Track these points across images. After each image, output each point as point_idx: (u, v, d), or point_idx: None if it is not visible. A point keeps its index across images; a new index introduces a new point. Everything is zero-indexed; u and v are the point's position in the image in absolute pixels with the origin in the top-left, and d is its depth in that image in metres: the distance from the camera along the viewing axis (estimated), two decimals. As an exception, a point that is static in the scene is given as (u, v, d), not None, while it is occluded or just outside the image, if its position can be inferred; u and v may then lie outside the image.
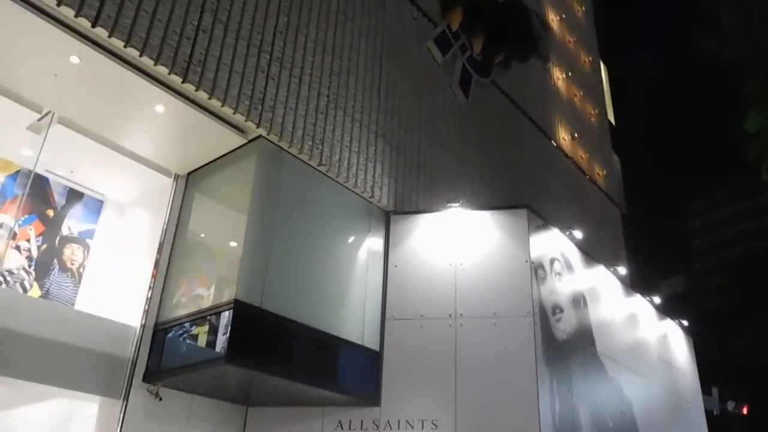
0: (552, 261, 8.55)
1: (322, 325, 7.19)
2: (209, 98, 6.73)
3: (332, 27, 8.74)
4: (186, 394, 7.12)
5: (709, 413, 14.91)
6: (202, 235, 7.83)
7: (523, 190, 11.97)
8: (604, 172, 16.08)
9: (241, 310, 6.30)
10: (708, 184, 52.04)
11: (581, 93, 16.37)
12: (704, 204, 55.52)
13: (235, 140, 7.39)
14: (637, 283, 13.06)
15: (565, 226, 9.34)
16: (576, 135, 15.05)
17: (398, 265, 8.20)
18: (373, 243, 8.29)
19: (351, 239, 8.10)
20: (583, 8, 18.62)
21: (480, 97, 11.83)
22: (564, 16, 16.89)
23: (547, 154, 13.66)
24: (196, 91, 6.64)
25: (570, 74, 16.13)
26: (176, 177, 7.92)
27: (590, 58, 17.81)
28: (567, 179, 14.17)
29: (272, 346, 6.73)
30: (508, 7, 13.68)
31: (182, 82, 6.51)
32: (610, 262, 11.91)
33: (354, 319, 7.68)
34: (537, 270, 8.11)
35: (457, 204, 8.43)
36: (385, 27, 9.84)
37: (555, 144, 14.11)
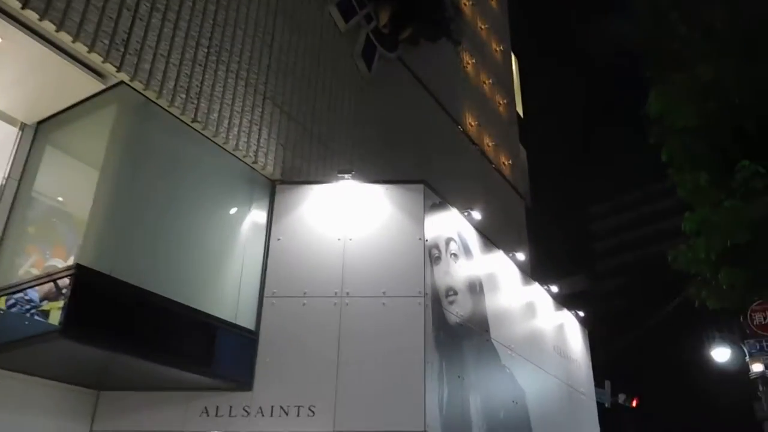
0: (448, 241, 8.07)
1: (187, 300, 6.33)
2: (57, 31, 5.73)
3: (219, -27, 7.88)
4: (22, 376, 6.10)
5: (600, 405, 15.11)
6: (55, 196, 6.81)
7: (425, 169, 11.43)
8: (510, 162, 15.96)
9: (84, 277, 5.36)
10: (611, 187, 54.24)
11: (490, 81, 16.16)
12: (608, 207, 58.04)
13: (93, 85, 6.42)
14: (538, 276, 12.91)
15: (464, 207, 8.89)
16: (483, 122, 14.78)
17: (281, 239, 7.46)
18: (255, 213, 7.52)
19: (228, 207, 7.30)
20: (495, 1, 18.47)
21: (385, 71, 11.25)
22: (476, 1, 16.62)
23: (452, 138, 13.29)
24: (40, 20, 5.63)
25: (480, 61, 15.87)
26: (23, 126, 6.83)
27: (501, 48, 17.67)
28: (472, 165, 13.87)
29: (125, 321, 5.79)
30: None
31: (22, 8, 5.49)
32: (511, 251, 11.68)
33: (227, 295, 6.89)
34: (431, 249, 7.61)
35: (349, 175, 7.80)
36: (281, -17, 9.05)
37: (461, 129, 13.76)
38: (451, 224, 8.28)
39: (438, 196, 8.06)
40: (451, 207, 8.31)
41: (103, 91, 6.47)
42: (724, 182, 6.73)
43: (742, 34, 7.00)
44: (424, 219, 7.57)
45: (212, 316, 6.51)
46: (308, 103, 8.88)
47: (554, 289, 11.55)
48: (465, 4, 15.92)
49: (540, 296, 11.20)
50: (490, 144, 15.00)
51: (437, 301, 7.41)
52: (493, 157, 15.01)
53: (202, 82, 7.13)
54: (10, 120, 6.79)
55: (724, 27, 7.05)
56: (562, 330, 12.02)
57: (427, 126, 12.28)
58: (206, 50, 7.33)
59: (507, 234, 14.17)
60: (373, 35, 10.91)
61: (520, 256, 10.21)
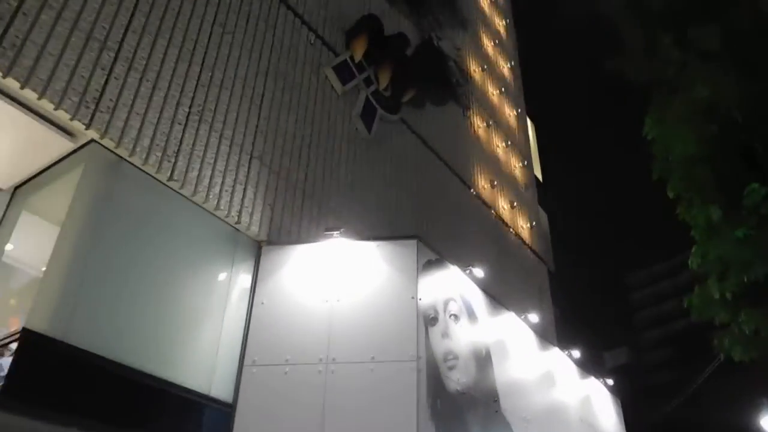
0: (446, 301, 7.48)
1: (156, 369, 5.85)
2: (21, 88, 5.60)
3: (205, 36, 7.81)
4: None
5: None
6: (29, 262, 6.52)
7: (430, 231, 11.01)
8: (529, 226, 15.37)
9: (30, 342, 4.95)
10: (647, 253, 52.35)
11: (504, 145, 15.85)
12: (647, 275, 55.95)
13: (64, 145, 6.24)
14: (569, 345, 12.05)
15: (472, 267, 8.32)
16: (497, 185, 14.35)
17: (265, 302, 6.98)
18: (238, 276, 7.10)
19: (208, 269, 6.87)
20: (509, 64, 18.45)
21: (387, 131, 11.02)
22: (486, 67, 16.58)
23: (462, 200, 12.84)
24: (4, 78, 5.51)
25: (493, 125, 15.63)
26: (-2, 192, 6.66)
27: (516, 113, 17.46)
28: (485, 228, 13.33)
29: (77, 392, 5.30)
30: (422, 50, 13.24)
31: (-16, 67, 5.39)
32: (530, 315, 10.94)
33: (202, 364, 6.37)
34: (426, 309, 7.02)
35: (338, 233, 7.37)
36: (273, 47, 8.99)
37: (473, 191, 13.33)
38: (451, 283, 7.71)
39: (434, 253, 7.54)
40: (450, 264, 7.76)
41: (77, 150, 6.29)
42: (738, 214, 6.07)
43: (737, 51, 6.53)
44: (417, 277, 7.03)
45: (183, 387, 5.99)
46: (301, 162, 8.60)
47: (576, 354, 10.69)
48: (475, 71, 15.87)
49: (562, 363, 10.36)
50: (505, 207, 14.50)
51: (434, 366, 6.75)
52: (509, 220, 14.47)
53: (181, 141, 6.90)
54: (-15, 185, 6.65)
55: (718, 46, 6.60)
56: (590, 400, 11.04)
57: (435, 187, 11.89)
58: (187, 109, 7.15)
59: (526, 298, 13.42)
60: (373, 97, 10.76)
61: (534, 318, 9.47)
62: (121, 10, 6.83)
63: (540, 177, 18.71)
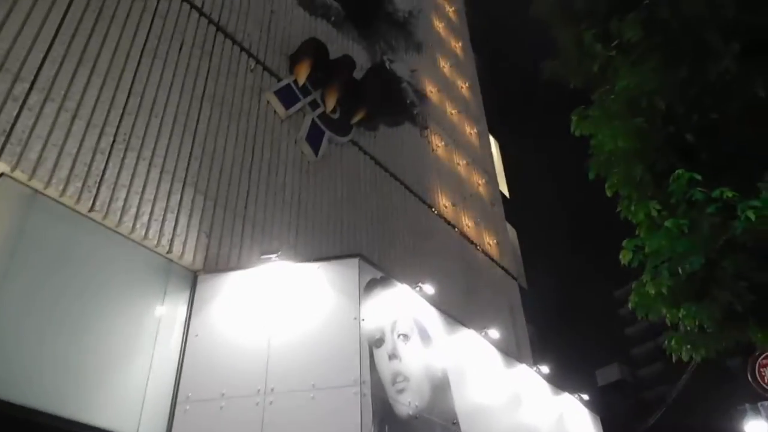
0: (395, 321, 7.18)
1: (76, 414, 5.47)
2: None
3: (133, 63, 7.60)
4: None
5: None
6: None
7: (390, 253, 10.78)
8: (496, 241, 15.16)
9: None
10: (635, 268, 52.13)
11: (465, 162, 15.72)
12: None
13: (-26, 182, 5.94)
14: (551, 363, 11.74)
15: (419, 283, 8.05)
16: (459, 202, 14.17)
17: (200, 334, 6.65)
18: (170, 307, 6.75)
19: (137, 302, 6.51)
20: (467, 84, 18.45)
21: (338, 154, 10.82)
22: (443, 87, 16.54)
23: (423, 220, 12.62)
24: None
25: (452, 143, 15.52)
26: None
27: (476, 130, 17.39)
28: (449, 246, 13.09)
29: (-11, 443, 4.95)
30: (373, 72, 13.14)
31: None
32: (502, 333, 10.67)
33: (130, 404, 5.98)
34: (372, 331, 6.72)
35: (275, 256, 7.09)
36: (209, 73, 8.80)
37: (434, 210, 13.12)
38: (399, 302, 7.42)
39: (379, 271, 7.26)
40: (397, 282, 7.49)
41: (-12, 186, 5.98)
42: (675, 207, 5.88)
43: (657, 39, 6.42)
44: (359, 296, 6.74)
45: (105, 430, 5.60)
46: (241, 187, 8.34)
47: (544, 369, 10.38)
48: (431, 91, 15.81)
49: (531, 380, 10.04)
50: (469, 225, 14.30)
51: (380, 389, 6.42)
52: (474, 237, 14.25)
53: (104, 170, 6.62)
54: None
55: (639, 35, 6.48)
56: (564, 418, 10.70)
57: (392, 208, 11.66)
58: (112, 138, 6.89)
59: (497, 316, 13.14)
60: (320, 120, 10.57)
61: (495, 334, 9.18)
62: (39, 41, 6.61)
63: (506, 193, 18.58)
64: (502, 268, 15.06)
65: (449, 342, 8.05)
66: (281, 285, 6.91)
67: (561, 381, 11.29)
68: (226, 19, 9.71)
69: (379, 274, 7.24)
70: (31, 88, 6.28)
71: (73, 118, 6.58)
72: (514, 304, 14.83)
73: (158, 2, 8.48)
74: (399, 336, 7.10)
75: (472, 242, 14.07)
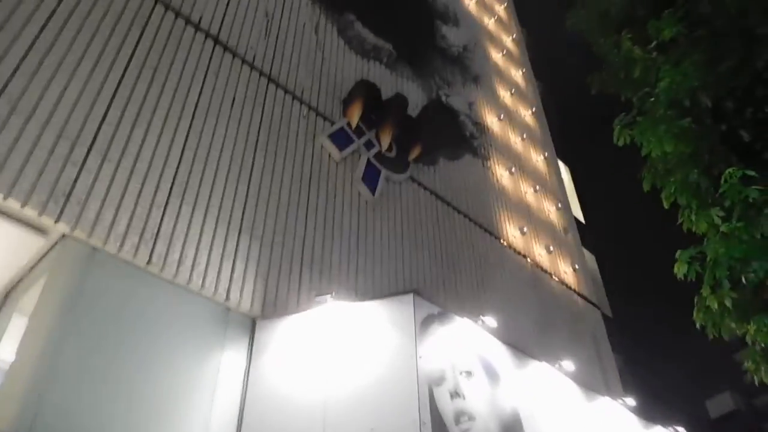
0: (456, 357, 6.92)
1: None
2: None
3: (186, 121, 7.92)
4: None
5: None
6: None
7: (456, 288, 10.52)
8: (572, 269, 14.55)
9: (-12, 445, 4.77)
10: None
11: (533, 190, 15.31)
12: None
13: (39, 243, 6.27)
14: (647, 398, 11.03)
15: (478, 317, 7.75)
16: (528, 231, 13.75)
17: (258, 383, 6.63)
18: (229, 356, 6.79)
19: (196, 353, 6.59)
20: (531, 111, 18.14)
21: (396, 192, 10.79)
22: (505, 116, 16.32)
23: (491, 251, 12.29)
24: (-18, 193, 5.62)
25: (518, 172, 15.18)
26: (-12, 298, 6.72)
27: (544, 156, 16.98)
28: (521, 277, 12.66)
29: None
30: (429, 108, 13.14)
31: (-52, 175, 5.53)
32: (585, 366, 10.14)
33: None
34: (431, 369, 6.48)
35: (329, 297, 7.04)
36: (262, 123, 9.05)
37: (502, 241, 12.78)
38: (460, 336, 7.16)
39: (436, 306, 7.06)
40: (457, 317, 7.24)
41: (53, 246, 6.31)
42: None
43: (700, 35, 5.97)
44: (416, 334, 6.55)
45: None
46: (297, 231, 8.41)
47: (630, 401, 9.68)
48: (492, 122, 15.64)
49: (617, 414, 9.38)
50: (542, 253, 13.82)
51: (442, 430, 6.15)
52: (548, 266, 13.74)
53: (160, 223, 6.85)
54: (-26, 292, 6.73)
55: (676, 32, 6.06)
56: (658, 454, 9.90)
57: (456, 242, 11.43)
58: (167, 192, 7.14)
59: (578, 347, 12.50)
60: (376, 159, 10.60)
61: (569, 365, 8.67)
62: (96, 106, 7.01)
63: (582, 218, 17.92)
64: (582, 296, 14.38)
65: (519, 377, 7.67)
66: (337, 326, 6.83)
67: (663, 413, 10.54)
68: (277, 71, 10.01)
69: (436, 310, 7.03)
70: (89, 151, 6.63)
71: (130, 175, 6.88)
72: (598, 334, 14.08)
73: (210, 60, 8.86)
74: (461, 373, 6.82)
75: (545, 271, 13.57)
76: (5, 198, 5.77)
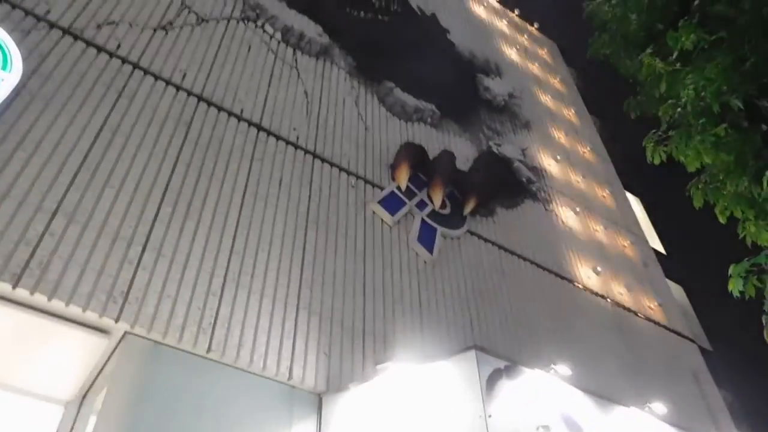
0: (530, 411, 6.54)
1: None
2: (49, 300, 6.00)
3: (236, 207, 8.19)
4: None
5: None
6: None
7: (533, 339, 10.08)
8: (657, 304, 13.71)
9: None
10: None
11: (603, 227, 14.74)
12: None
13: (103, 343, 6.50)
14: None
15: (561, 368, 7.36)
16: (603, 270, 13.16)
17: (329, 458, 6.49)
18: (299, 435, 6.71)
19: (263, 435, 6.55)
20: (588, 147, 17.74)
21: (455, 248, 10.63)
22: (561, 157, 16.01)
23: (565, 296, 11.79)
24: (32, 295, 5.95)
25: (584, 210, 14.72)
26: (66, 404, 6.95)
27: (608, 192, 16.43)
28: (603, 320, 12.02)
29: None
30: (481, 160, 13.08)
31: (13, 288, 5.88)
32: (694, 409, 9.40)
33: None
34: (504, 427, 6.15)
35: (389, 364, 6.88)
36: (311, 199, 9.23)
37: (577, 284, 12.27)
38: (533, 389, 6.79)
39: (502, 360, 6.75)
40: (526, 369, 6.88)
41: (117, 346, 6.52)
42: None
43: (721, 36, 5.60)
44: (482, 391, 6.26)
45: None
46: (356, 302, 8.37)
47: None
48: (549, 164, 15.37)
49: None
50: (622, 292, 13.14)
51: (523, 490, 5.76)
52: (631, 304, 13.02)
53: (217, 311, 6.99)
54: (54, 400, 6.98)
55: (697, 41, 5.72)
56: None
57: (525, 291, 11.05)
58: (222, 280, 7.32)
59: (678, 387, 11.61)
60: (430, 218, 10.55)
61: (660, 408, 8.02)
62: (148, 206, 7.37)
63: (662, 249, 17.03)
64: (674, 331, 13.48)
65: (604, 425, 7.15)
66: (401, 392, 6.64)
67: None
68: (321, 147, 10.28)
69: (502, 364, 6.71)
70: (143, 250, 6.92)
71: (184, 269, 7.10)
72: (698, 370, 13.06)
73: (255, 146, 9.21)
74: (537, 428, 6.41)
75: (629, 310, 12.85)
76: (67, 305, 6.05)
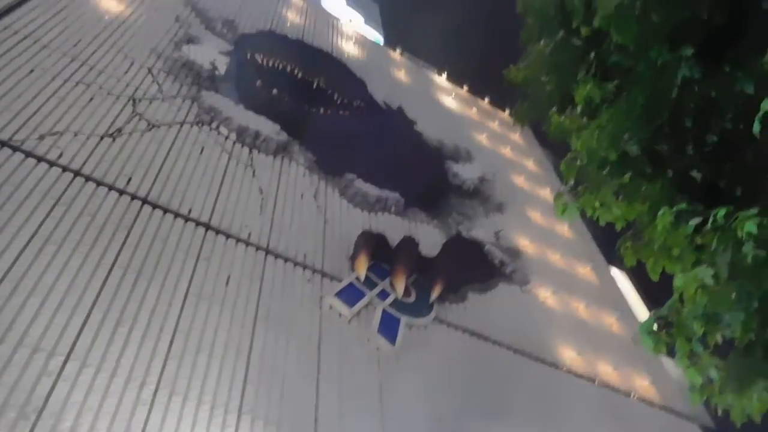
0: None
1: None
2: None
3: (175, 311, 7.80)
4: None
5: None
6: None
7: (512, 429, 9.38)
8: (649, 382, 12.96)
9: None
10: None
11: (585, 304, 14.23)
12: None
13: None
14: None
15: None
16: (589, 350, 12.54)
17: None
18: None
19: None
20: (567, 225, 17.50)
21: (422, 337, 10.12)
22: (537, 236, 15.75)
23: (547, 382, 11.13)
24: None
25: (564, 289, 14.26)
26: None
27: (590, 268, 16.03)
28: (589, 403, 11.28)
29: None
30: (450, 245, 12.82)
31: None
32: None
33: None
34: None
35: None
36: (261, 295, 8.87)
37: (561, 368, 11.64)
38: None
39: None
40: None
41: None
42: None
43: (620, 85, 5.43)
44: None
45: None
46: (307, 401, 7.80)
47: None
48: (525, 245, 15.07)
49: None
50: (608, 371, 12.46)
51: None
52: (619, 383, 12.30)
53: (145, 423, 6.44)
54: None
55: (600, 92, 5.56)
56: None
57: (501, 378, 10.43)
58: (154, 387, 6.81)
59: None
60: (393, 308, 10.12)
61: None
62: (76, 313, 6.99)
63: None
64: (670, 410, 12.66)
65: None
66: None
67: None
68: (276, 242, 10.04)
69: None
70: (66, 361, 6.49)
71: (111, 378, 6.63)
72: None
73: (201, 247, 8.96)
74: None
75: (618, 390, 12.12)
76: (-29, 427, 5.56)
